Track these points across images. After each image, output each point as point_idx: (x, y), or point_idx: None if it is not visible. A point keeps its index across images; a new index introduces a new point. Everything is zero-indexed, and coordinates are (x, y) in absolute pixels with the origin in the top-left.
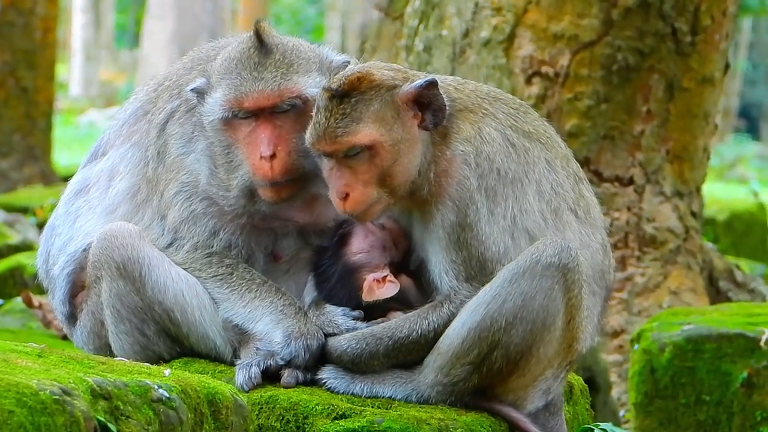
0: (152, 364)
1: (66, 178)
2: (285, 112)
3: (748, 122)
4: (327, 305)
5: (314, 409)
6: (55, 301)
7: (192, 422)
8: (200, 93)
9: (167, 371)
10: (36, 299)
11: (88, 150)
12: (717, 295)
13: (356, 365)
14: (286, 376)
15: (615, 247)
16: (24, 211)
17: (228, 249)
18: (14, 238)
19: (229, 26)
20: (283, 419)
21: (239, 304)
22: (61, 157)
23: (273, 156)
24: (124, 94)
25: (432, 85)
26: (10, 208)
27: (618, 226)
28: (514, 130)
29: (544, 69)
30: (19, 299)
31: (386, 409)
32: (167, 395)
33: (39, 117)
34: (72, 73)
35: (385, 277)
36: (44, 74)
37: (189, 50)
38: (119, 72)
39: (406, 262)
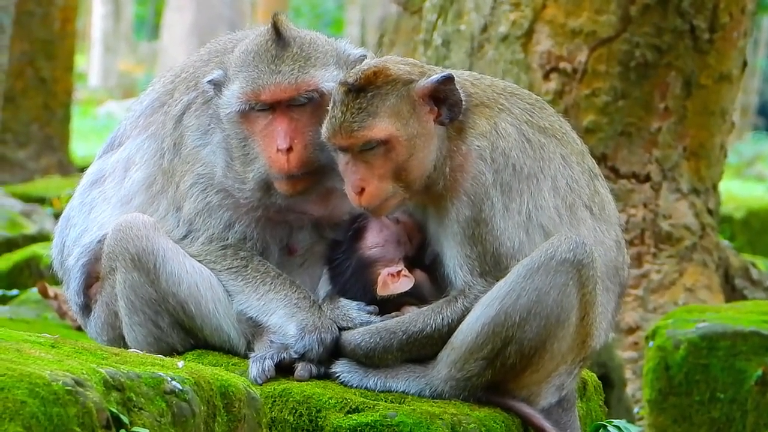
0: (166, 356)
1: (83, 169)
2: (302, 106)
3: (767, 120)
4: (341, 299)
5: (327, 402)
6: (69, 292)
7: (205, 414)
8: (217, 85)
9: (180, 363)
10: (51, 290)
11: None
12: (732, 293)
13: (370, 359)
14: (300, 369)
15: (631, 243)
16: (41, 201)
17: (243, 242)
18: (31, 229)
19: (249, 18)
20: (296, 412)
21: (253, 296)
22: (78, 148)
23: (289, 149)
24: (143, 85)
25: (448, 80)
26: (27, 198)
27: (634, 223)
28: (529, 126)
29: (562, 65)
30: (34, 290)
31: (399, 403)
32: (180, 387)
33: (57, 107)
34: (91, 63)
35: (400, 271)
36: (63, 65)
37: (208, 42)
38: (138, 63)
39: (420, 256)
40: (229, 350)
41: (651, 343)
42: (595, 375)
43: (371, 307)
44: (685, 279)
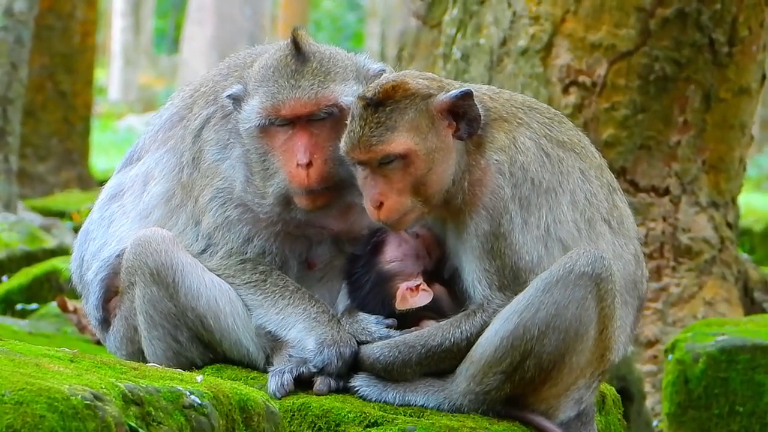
0: (185, 370)
1: (103, 183)
2: (321, 120)
3: None
4: (360, 313)
5: (346, 416)
6: (88, 307)
7: (223, 428)
8: (236, 99)
9: (199, 377)
10: (71, 304)
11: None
12: (752, 306)
13: (389, 373)
14: (319, 383)
15: (650, 257)
16: (61, 215)
17: (262, 256)
18: (50, 243)
19: (269, 32)
20: (315, 426)
21: (272, 311)
22: (98, 162)
23: (309, 164)
24: (163, 99)
25: (467, 95)
26: (47, 212)
27: (653, 237)
28: (548, 140)
29: (581, 78)
30: (54, 304)
31: (418, 417)
32: (199, 401)
33: (77, 121)
34: (111, 77)
35: (419, 285)
36: (82, 78)
37: (228, 56)
38: (158, 77)
39: (439, 270)
40: (248, 364)
41: (670, 357)
42: (614, 388)
43: (390, 321)
44: (704, 292)
